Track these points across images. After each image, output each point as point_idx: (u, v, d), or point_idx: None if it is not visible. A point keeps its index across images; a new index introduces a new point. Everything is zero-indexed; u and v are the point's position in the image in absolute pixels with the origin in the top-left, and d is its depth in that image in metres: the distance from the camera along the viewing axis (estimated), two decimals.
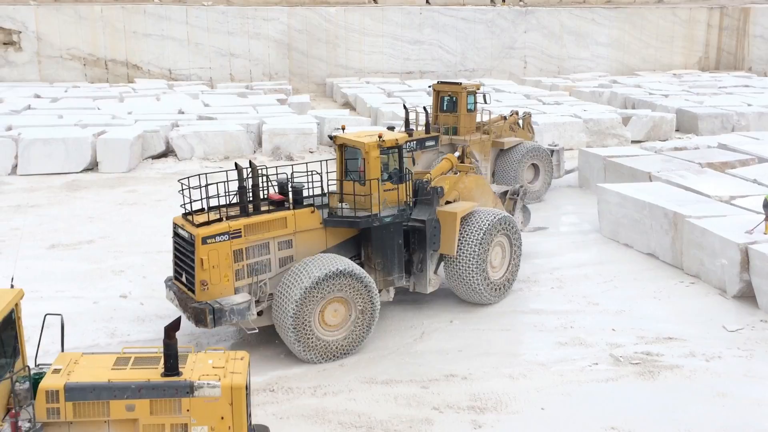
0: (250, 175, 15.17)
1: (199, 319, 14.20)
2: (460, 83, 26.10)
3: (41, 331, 10.51)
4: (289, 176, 15.93)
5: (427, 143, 24.65)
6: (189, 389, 9.77)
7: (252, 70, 48.91)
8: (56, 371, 9.97)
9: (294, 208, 15.36)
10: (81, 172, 29.66)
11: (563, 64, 55.74)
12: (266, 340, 15.86)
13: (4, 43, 45.11)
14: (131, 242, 21.98)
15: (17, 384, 9.68)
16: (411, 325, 16.74)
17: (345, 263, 15.08)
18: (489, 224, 17.09)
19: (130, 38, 46.77)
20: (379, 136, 15.92)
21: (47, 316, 10.43)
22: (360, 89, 45.02)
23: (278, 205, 15.38)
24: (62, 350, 10.61)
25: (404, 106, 26.57)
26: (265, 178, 15.46)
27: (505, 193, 20.60)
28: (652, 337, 16.04)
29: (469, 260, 16.88)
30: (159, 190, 27.62)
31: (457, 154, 19.64)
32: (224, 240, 14.39)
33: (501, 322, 16.96)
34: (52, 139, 29.76)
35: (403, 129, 24.80)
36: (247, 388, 10.09)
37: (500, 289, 17.65)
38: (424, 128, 25.22)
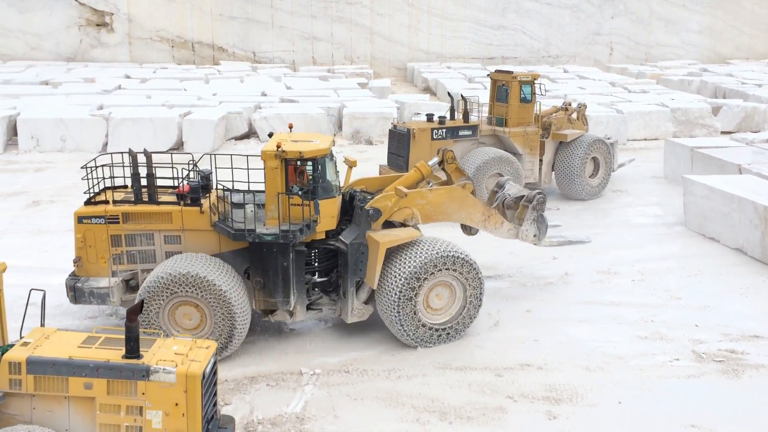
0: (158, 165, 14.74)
1: (66, 292, 14.73)
2: (512, 72, 24.99)
3: (26, 305, 10.90)
4: (196, 171, 14.89)
5: (462, 132, 23.63)
6: (145, 373, 9.87)
7: (334, 53, 49.22)
8: (25, 344, 10.22)
9: (184, 206, 14.61)
10: (167, 151, 30.43)
11: (651, 51, 54.22)
12: (343, 324, 16.00)
13: (98, 25, 46.60)
14: None
15: None
16: (486, 313, 16.62)
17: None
18: (424, 260, 14.50)
19: (216, 21, 47.66)
20: (278, 146, 14.10)
21: (32, 291, 10.78)
22: (441, 74, 44.80)
23: (180, 198, 14.78)
24: (42, 325, 10.81)
25: (449, 94, 25.95)
26: (183, 170, 14.82)
27: (521, 198, 17.27)
28: (737, 335, 15.53)
29: (392, 297, 14.52)
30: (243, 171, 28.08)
31: (434, 161, 16.81)
32: (100, 223, 14.55)
33: (579, 314, 16.69)
34: (141, 118, 30.63)
35: (447, 117, 24.23)
36: (205, 377, 10.06)
37: (441, 335, 15.01)
38: (461, 116, 24.15)
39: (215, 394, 10.60)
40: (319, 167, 14.47)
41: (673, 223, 22.69)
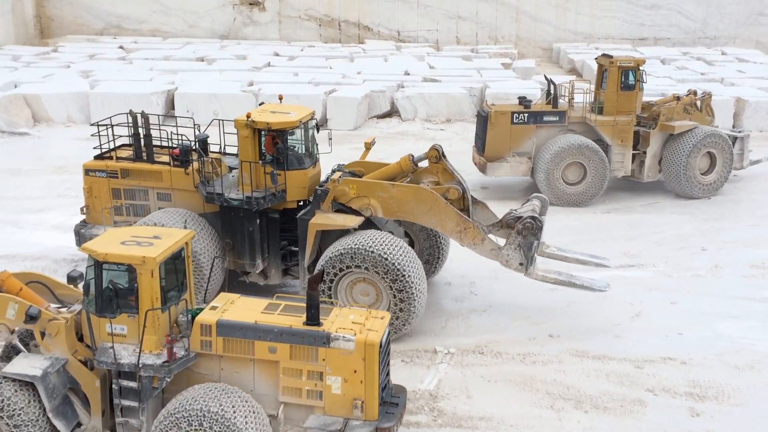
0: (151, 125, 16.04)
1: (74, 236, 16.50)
2: (611, 56, 23.06)
3: (210, 272, 11.87)
4: (199, 135, 15.59)
5: (547, 118, 22.46)
6: (326, 340, 10.24)
7: (478, 33, 48.71)
8: (213, 308, 10.81)
9: (173, 167, 15.75)
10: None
11: None
12: (480, 306, 15.97)
13: (250, 4, 48.21)
14: None
15: (180, 315, 10.62)
16: (628, 302, 16.12)
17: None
18: (341, 250, 14.06)
19: (362, 0, 48.22)
20: (247, 116, 14.75)
21: (216, 260, 11.32)
22: (588, 55, 43.40)
23: (174, 160, 15.87)
24: (225, 291, 11.49)
25: (546, 77, 24.71)
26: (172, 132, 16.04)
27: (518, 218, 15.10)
28: None
29: None
30: (382, 149, 28.39)
31: (419, 156, 15.72)
32: (103, 176, 16.18)
33: (729, 309, 15.88)
34: (288, 95, 31.44)
35: (544, 101, 23.14)
36: (382, 346, 10.32)
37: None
38: (551, 101, 22.91)
39: (388, 364, 10.90)
40: (288, 139, 14.97)
41: None
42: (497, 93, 32.70)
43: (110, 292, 10.30)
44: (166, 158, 16.17)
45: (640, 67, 22.57)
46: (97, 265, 10.24)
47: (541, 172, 22.24)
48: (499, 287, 17.07)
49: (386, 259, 13.89)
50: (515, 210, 15.46)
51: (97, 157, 16.63)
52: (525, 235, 14.76)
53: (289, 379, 10.43)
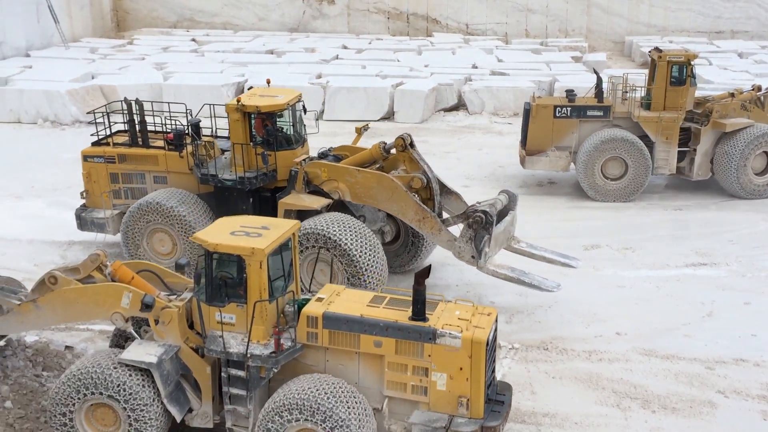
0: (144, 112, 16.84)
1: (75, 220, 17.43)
2: (660, 50, 22.33)
3: (315, 263, 11.50)
4: (191, 120, 16.46)
5: (591, 112, 21.99)
6: (432, 336, 10.14)
7: (548, 25, 48.02)
8: (319, 300, 10.85)
9: (168, 150, 16.61)
10: (379, 120, 31.33)
11: None
12: (546, 301, 15.81)
13: None
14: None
15: (286, 306, 10.70)
16: (699, 301, 15.75)
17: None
18: (304, 231, 14.49)
19: None
20: (238, 100, 15.64)
21: (320, 249, 11.39)
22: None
23: (168, 144, 16.70)
24: (330, 281, 11.51)
25: (594, 71, 23.97)
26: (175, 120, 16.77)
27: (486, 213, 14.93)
28: None
29: None
30: (448, 142, 28.37)
31: (388, 144, 16.17)
32: (101, 162, 16.98)
33: None
34: (355, 88, 31.71)
35: (593, 95, 22.50)
36: (489, 344, 10.17)
37: None
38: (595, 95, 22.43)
39: (494, 361, 10.80)
40: (276, 121, 15.83)
41: None
42: (566, 87, 32.22)
43: (219, 281, 10.49)
44: (160, 143, 16.94)
45: (691, 62, 21.86)
46: (208, 255, 10.41)
47: (580, 165, 21.93)
48: (565, 283, 16.84)
49: (333, 240, 14.36)
50: (479, 203, 15.39)
51: (94, 144, 17.36)
52: (475, 228, 14.80)
53: (394, 374, 10.40)
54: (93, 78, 33.65)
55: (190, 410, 10.99)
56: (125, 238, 16.58)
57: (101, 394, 10.50)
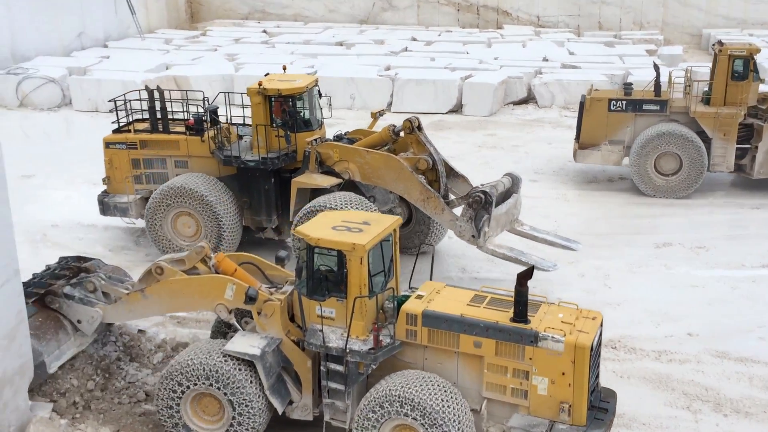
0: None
1: (97, 205, 17.99)
2: (722, 43, 21.58)
3: (416, 257, 11.64)
4: (209, 106, 17.09)
5: (647, 106, 21.45)
6: (533, 339, 9.87)
7: (622, 18, 47.01)
8: (419, 297, 10.70)
9: (189, 135, 17.07)
10: (447, 113, 31.20)
11: None
12: (614, 299, 15.53)
13: None
14: None
15: (386, 302, 10.66)
16: None
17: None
18: (309, 208, 15.29)
19: None
20: (259, 84, 16.32)
21: (422, 245, 11.31)
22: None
23: (189, 129, 17.20)
24: (430, 278, 11.41)
25: (654, 64, 23.24)
26: (185, 104, 17.52)
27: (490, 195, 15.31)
28: None
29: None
30: (517, 135, 28.07)
31: (398, 127, 16.59)
32: (123, 148, 17.39)
33: None
34: (424, 80, 31.63)
35: (652, 89, 21.92)
36: (593, 349, 9.83)
37: None
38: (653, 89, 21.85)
39: (598, 366, 10.52)
40: (297, 103, 16.50)
41: None
42: (640, 81, 31.51)
43: (320, 275, 10.55)
44: (180, 129, 17.40)
45: (754, 56, 21.04)
46: (309, 249, 10.48)
47: (633, 159, 21.48)
48: (636, 281, 16.56)
49: None
50: (482, 185, 15.73)
51: (115, 131, 17.80)
52: (475, 208, 15.19)
53: (493, 375, 10.20)
54: (167, 68, 34.42)
55: (291, 402, 11.06)
56: (150, 222, 17.12)
57: (207, 384, 10.67)
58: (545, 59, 36.48)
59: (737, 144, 21.21)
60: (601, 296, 15.71)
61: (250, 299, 10.80)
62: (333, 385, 10.64)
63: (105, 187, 18.18)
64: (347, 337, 10.35)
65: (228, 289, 11.00)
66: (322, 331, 10.48)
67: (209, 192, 16.56)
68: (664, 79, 22.24)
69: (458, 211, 15.88)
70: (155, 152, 17.48)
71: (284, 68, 17.96)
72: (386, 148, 16.71)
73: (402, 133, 16.61)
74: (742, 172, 21.73)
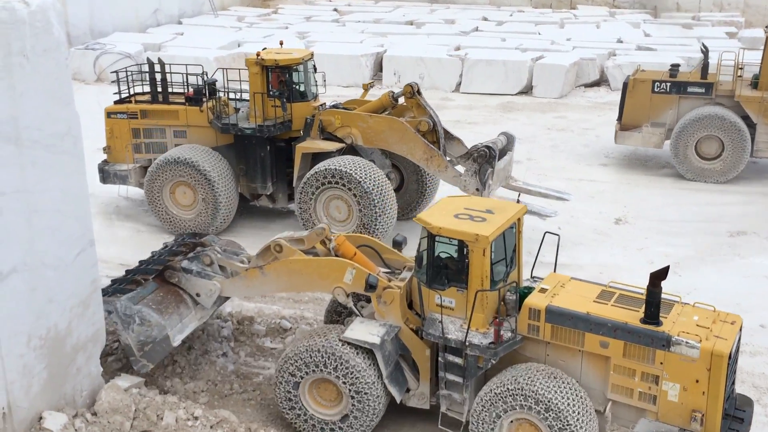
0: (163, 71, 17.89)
1: (97, 173, 18.32)
2: None
3: (539, 247, 10.95)
4: (207, 78, 17.65)
5: (691, 89, 20.95)
6: (665, 343, 9.35)
7: None
8: (542, 290, 10.29)
9: (188, 106, 17.60)
10: (516, 94, 30.82)
11: None
12: (684, 288, 15.19)
13: None
14: (555, 167, 22.42)
15: (507, 294, 10.25)
16: None
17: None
18: (319, 170, 16.16)
19: None
20: (257, 54, 16.96)
21: (546, 234, 10.82)
22: None
23: (188, 100, 17.71)
24: (554, 270, 10.94)
25: (701, 49, 22.40)
26: (184, 77, 17.85)
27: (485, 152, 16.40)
28: None
29: (297, 195, 16.74)
30: (587, 118, 27.58)
31: (397, 92, 17.41)
32: (123, 118, 17.87)
33: None
34: (494, 60, 31.29)
35: (699, 71, 21.37)
36: (731, 356, 9.31)
37: None
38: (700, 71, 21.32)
39: (735, 372, 10.03)
40: (293, 74, 17.17)
41: None
42: (716, 64, 30.55)
43: (441, 264, 10.37)
44: (180, 100, 17.97)
45: None
46: (430, 237, 10.22)
47: (674, 141, 21.02)
48: (706, 269, 16.16)
49: (352, 176, 15.88)
50: (481, 143, 16.72)
51: (116, 102, 18.34)
52: (480, 162, 16.28)
53: (620, 377, 9.72)
54: (239, 46, 34.85)
55: (407, 390, 10.93)
56: (149, 192, 17.68)
57: (326, 370, 10.62)
58: (619, 41, 35.67)
59: None
60: (670, 284, 15.21)
61: (371, 287, 10.65)
62: (450, 376, 10.41)
63: (105, 156, 18.83)
64: (467, 330, 10.08)
65: (348, 273, 10.87)
66: (441, 321, 10.22)
67: (205, 163, 17.15)
68: (714, 61, 21.62)
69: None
70: (155, 122, 18.03)
71: (281, 43, 18.60)
72: (386, 113, 17.46)
73: (401, 99, 17.41)
74: None
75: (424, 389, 10.87)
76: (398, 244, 11.62)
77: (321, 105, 17.49)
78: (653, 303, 9.50)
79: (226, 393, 12.02)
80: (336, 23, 41.22)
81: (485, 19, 42.33)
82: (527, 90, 31.04)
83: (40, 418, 9.95)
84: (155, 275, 12.01)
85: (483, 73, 31.07)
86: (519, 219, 10.60)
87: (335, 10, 45.19)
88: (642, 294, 9.83)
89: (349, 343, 10.63)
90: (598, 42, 35.21)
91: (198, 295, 12.07)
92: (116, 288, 11.80)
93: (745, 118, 20.63)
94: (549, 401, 9.46)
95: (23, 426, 9.79)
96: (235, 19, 42.23)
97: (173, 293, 12.05)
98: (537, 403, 9.52)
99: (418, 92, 17.20)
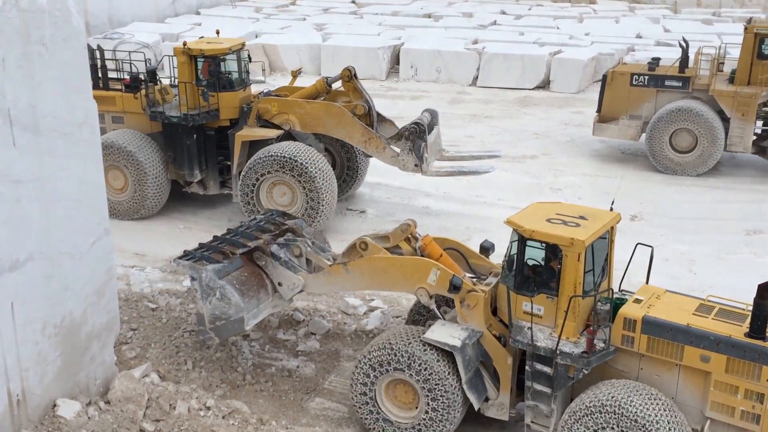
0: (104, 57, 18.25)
1: None
2: (750, 21, 20.81)
3: (630, 257, 10.43)
4: (150, 64, 18.04)
5: (669, 82, 21.07)
6: None
7: None
8: (637, 301, 9.94)
9: (124, 92, 17.90)
10: (533, 89, 30.68)
11: None
12: (700, 285, 15.08)
13: None
14: (572, 162, 22.32)
15: (599, 304, 9.80)
16: None
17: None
18: (262, 157, 16.43)
19: None
20: (184, 44, 17.31)
21: (638, 245, 10.28)
22: None
23: (126, 87, 18.05)
24: (647, 282, 10.56)
25: (680, 43, 22.38)
26: (120, 63, 18.24)
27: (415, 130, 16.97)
28: None
29: (238, 184, 17.09)
30: None
31: (331, 78, 18.04)
32: None
33: None
34: (511, 54, 31.14)
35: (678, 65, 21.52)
36: None
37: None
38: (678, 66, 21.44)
39: None
40: (221, 64, 17.35)
41: None
42: (735, 59, 30.28)
43: (531, 270, 10.05)
44: (119, 86, 18.34)
45: None
46: (521, 240, 9.89)
47: (648, 133, 21.17)
48: (722, 267, 16.03)
49: (296, 161, 16.21)
50: (408, 124, 17.42)
51: None
52: (412, 139, 16.88)
53: (720, 395, 9.25)
54: (256, 37, 34.87)
55: (486, 399, 10.64)
56: None
57: (403, 371, 10.38)
58: (639, 36, 35.44)
59: (763, 126, 20.86)
60: (686, 282, 15.26)
61: (455, 288, 10.34)
62: (538, 387, 10.02)
63: None
64: (558, 338, 9.74)
65: (432, 274, 10.56)
66: (531, 328, 9.86)
67: (135, 148, 17.40)
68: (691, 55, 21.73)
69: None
70: None
71: (217, 32, 18.78)
72: (321, 99, 17.93)
73: (335, 85, 18.02)
74: (762, 155, 21.21)
75: (504, 399, 10.50)
76: (486, 250, 11.26)
77: (259, 93, 17.88)
78: (761, 316, 9.07)
79: (239, 384, 12.05)
80: (354, 15, 41.17)
81: (503, 12, 42.15)
82: (545, 85, 30.90)
83: (54, 405, 10.03)
84: (243, 251, 11.71)
85: (500, 67, 30.94)
86: (612, 227, 10.26)
87: (353, 2, 45.13)
88: (745, 309, 9.53)
89: (429, 345, 10.33)
90: (617, 37, 34.98)
91: (280, 284, 11.80)
92: (203, 255, 11.55)
93: (720, 113, 20.73)
94: (644, 422, 9.06)
95: (37, 413, 9.87)
96: (253, 10, 42.28)
97: (257, 276, 11.77)
98: (632, 424, 9.11)
99: (355, 76, 17.72)
